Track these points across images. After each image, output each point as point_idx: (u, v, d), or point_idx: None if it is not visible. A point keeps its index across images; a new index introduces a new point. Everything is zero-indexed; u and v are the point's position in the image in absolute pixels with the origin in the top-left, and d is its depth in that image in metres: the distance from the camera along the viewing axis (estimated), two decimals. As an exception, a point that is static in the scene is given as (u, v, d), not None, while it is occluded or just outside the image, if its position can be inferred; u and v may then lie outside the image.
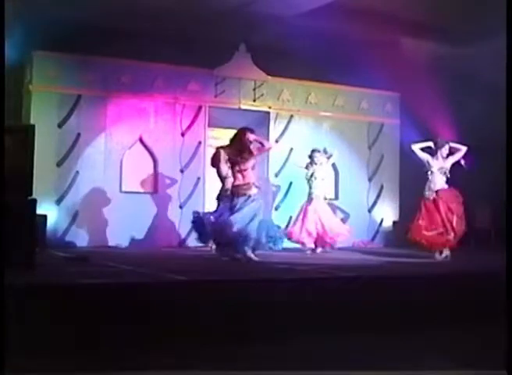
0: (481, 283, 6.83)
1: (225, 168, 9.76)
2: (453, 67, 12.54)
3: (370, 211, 13.17)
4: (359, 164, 13.11)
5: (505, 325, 4.71)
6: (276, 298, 5.81)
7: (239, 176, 8.72)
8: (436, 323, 6.03)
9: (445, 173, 9.63)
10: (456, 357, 4.97)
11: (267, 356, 4.89)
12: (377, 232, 13.14)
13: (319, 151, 10.96)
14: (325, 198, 11.15)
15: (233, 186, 8.79)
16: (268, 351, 5.01)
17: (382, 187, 13.26)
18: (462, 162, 12.99)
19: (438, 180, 9.59)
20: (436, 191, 9.57)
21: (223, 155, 9.66)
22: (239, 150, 8.72)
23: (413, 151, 9.81)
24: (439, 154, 9.65)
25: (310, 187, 10.84)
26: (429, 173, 9.63)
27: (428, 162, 9.66)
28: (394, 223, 13.16)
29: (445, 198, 9.54)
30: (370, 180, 13.22)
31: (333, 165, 12.42)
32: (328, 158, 11.14)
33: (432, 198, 9.55)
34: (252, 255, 8.48)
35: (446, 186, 9.64)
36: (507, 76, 5.32)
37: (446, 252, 9.54)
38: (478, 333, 5.82)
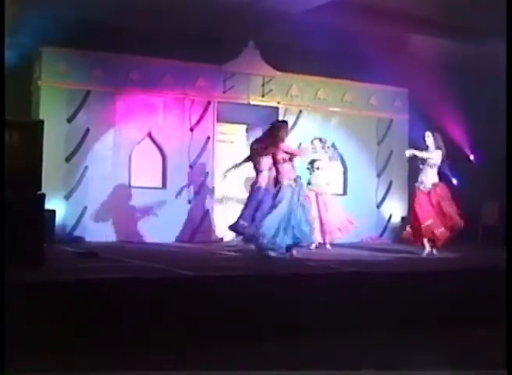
0: (481, 282, 6.80)
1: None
2: (462, 63, 12.50)
3: (378, 207, 13.13)
4: (368, 160, 13.06)
5: (505, 325, 4.72)
6: (278, 295, 5.83)
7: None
8: (436, 323, 6.03)
9: (434, 164, 9.64)
10: (456, 357, 4.97)
11: (267, 356, 4.91)
12: (385, 228, 13.10)
13: (321, 140, 10.74)
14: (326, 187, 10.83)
15: None
16: (270, 351, 5.03)
17: (390, 183, 13.21)
18: (472, 157, 13.02)
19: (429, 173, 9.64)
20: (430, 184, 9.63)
21: None
22: None
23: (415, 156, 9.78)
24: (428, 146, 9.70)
25: (309, 177, 10.61)
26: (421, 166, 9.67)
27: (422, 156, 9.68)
28: (403, 218, 13.09)
29: (438, 191, 9.58)
30: (379, 175, 13.17)
31: (342, 161, 12.40)
32: (329, 147, 10.93)
33: (425, 190, 9.62)
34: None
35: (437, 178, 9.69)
36: (507, 75, 5.32)
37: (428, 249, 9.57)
38: (478, 333, 5.82)
